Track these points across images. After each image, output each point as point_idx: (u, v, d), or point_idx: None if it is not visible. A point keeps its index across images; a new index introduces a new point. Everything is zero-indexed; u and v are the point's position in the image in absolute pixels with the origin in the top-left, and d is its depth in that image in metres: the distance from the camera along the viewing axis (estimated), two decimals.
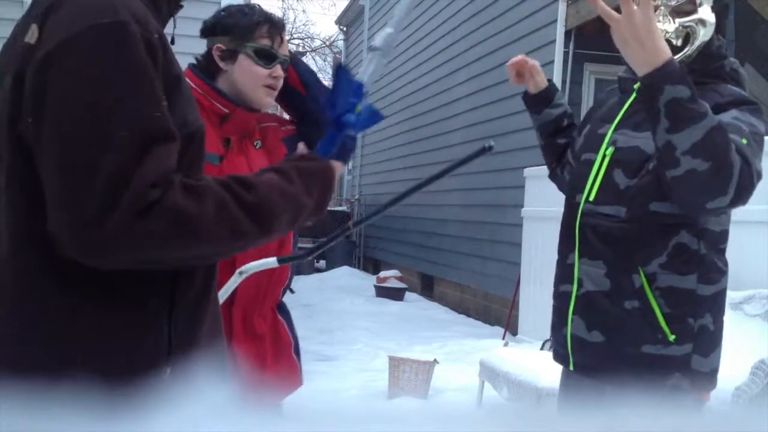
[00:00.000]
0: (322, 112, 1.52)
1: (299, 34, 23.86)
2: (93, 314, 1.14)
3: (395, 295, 10.48)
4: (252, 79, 2.00)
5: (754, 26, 6.63)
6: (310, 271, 13.13)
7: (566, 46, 7.60)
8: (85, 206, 1.05)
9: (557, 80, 7.45)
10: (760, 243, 4.40)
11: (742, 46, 6.36)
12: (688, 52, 1.93)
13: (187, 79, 2.01)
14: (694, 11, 1.96)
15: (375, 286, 10.88)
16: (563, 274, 2.05)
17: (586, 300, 1.98)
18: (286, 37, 2.07)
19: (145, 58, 1.12)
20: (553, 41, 7.69)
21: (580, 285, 1.99)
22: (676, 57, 1.84)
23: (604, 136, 2.02)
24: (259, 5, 2.09)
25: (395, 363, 5.35)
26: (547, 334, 6.41)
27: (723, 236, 1.95)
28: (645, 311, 1.89)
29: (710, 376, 1.94)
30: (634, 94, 2.02)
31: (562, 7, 7.62)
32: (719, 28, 2.04)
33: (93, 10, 1.12)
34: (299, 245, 2.18)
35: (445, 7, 10.91)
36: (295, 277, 2.26)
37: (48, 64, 1.10)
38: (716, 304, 1.93)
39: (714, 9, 1.99)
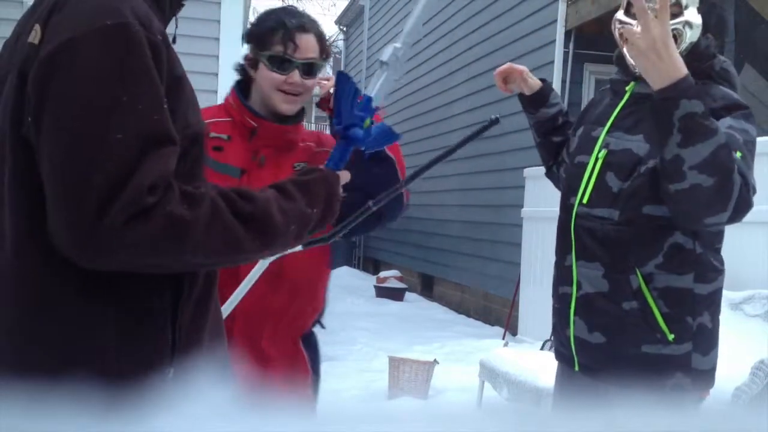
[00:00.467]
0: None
1: None
2: (97, 315, 1.14)
3: (395, 295, 10.48)
4: (269, 86, 2.00)
5: (754, 26, 6.63)
6: None
7: (566, 46, 7.60)
8: (82, 207, 1.05)
9: (557, 80, 7.46)
10: (760, 243, 4.40)
11: (742, 46, 6.36)
12: (681, 49, 1.94)
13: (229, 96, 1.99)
14: (680, 14, 1.96)
15: (375, 287, 10.88)
16: (562, 275, 2.06)
17: (585, 301, 1.99)
18: (312, 39, 2.02)
19: (148, 60, 1.12)
20: (553, 41, 7.69)
21: (579, 287, 2.00)
22: None
23: (597, 138, 2.03)
24: (294, 7, 2.10)
25: (395, 363, 5.35)
26: (547, 334, 6.44)
27: (719, 236, 1.97)
28: (643, 311, 1.90)
29: (710, 374, 1.96)
30: (626, 96, 2.03)
31: (562, 8, 7.62)
32: (707, 27, 2.03)
33: (97, 12, 1.12)
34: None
35: (444, 8, 10.91)
36: None
37: (50, 65, 1.10)
38: (714, 303, 1.95)
39: (700, 10, 1.99)
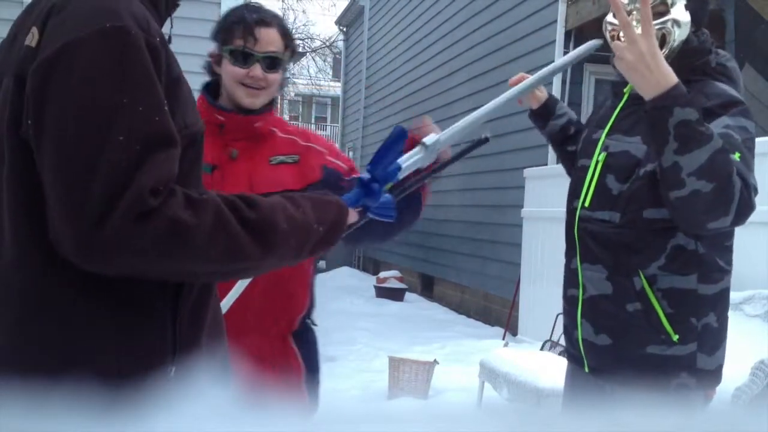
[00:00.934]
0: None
1: (299, 35, 23.87)
2: (98, 314, 1.14)
3: (395, 295, 10.48)
4: (231, 80, 2.03)
5: (754, 26, 6.63)
6: None
7: (566, 46, 7.61)
8: (83, 210, 1.05)
9: (557, 80, 7.46)
10: (760, 243, 4.40)
11: (742, 46, 6.36)
12: (666, 53, 1.92)
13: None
14: (666, 12, 1.95)
15: (375, 287, 10.88)
16: (569, 278, 2.08)
17: (591, 304, 2.00)
18: (280, 33, 2.05)
19: (147, 62, 1.12)
20: (553, 42, 7.70)
21: (584, 290, 2.01)
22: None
23: (597, 141, 2.03)
24: (258, 5, 2.10)
25: (395, 363, 5.35)
26: (547, 335, 6.42)
27: (726, 234, 1.95)
28: (647, 313, 1.90)
29: (716, 373, 1.96)
30: (624, 98, 2.04)
31: (562, 8, 7.62)
32: (700, 22, 2.00)
33: (96, 15, 1.12)
34: None
35: (445, 8, 10.91)
36: None
37: (49, 67, 1.10)
38: (720, 303, 1.94)
39: (689, 6, 1.97)
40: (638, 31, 1.79)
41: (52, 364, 1.12)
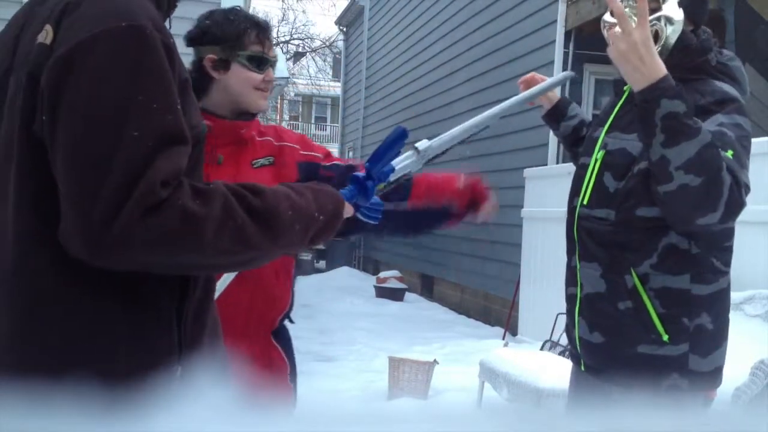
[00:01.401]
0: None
1: (299, 35, 23.86)
2: (106, 314, 1.14)
3: (395, 295, 10.48)
4: (247, 86, 2.01)
5: (754, 26, 6.63)
6: (310, 271, 13.14)
7: (566, 46, 7.61)
8: (95, 203, 1.06)
9: None
10: (760, 243, 4.40)
11: (742, 47, 6.36)
12: (658, 50, 1.90)
13: None
14: (658, 9, 1.95)
15: (375, 287, 10.88)
16: (569, 276, 2.08)
17: (587, 302, 2.00)
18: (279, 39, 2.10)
19: (163, 61, 1.13)
20: (553, 41, 7.70)
21: (581, 288, 2.01)
22: None
23: (597, 139, 2.04)
24: (240, 8, 2.08)
25: (395, 363, 5.35)
26: (547, 335, 6.40)
27: (723, 234, 1.94)
28: (638, 312, 1.90)
29: (712, 375, 1.93)
30: (624, 96, 2.04)
31: (562, 8, 7.62)
32: (698, 21, 2.00)
33: (111, 13, 1.13)
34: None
35: (445, 8, 10.91)
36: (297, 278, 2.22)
37: (65, 64, 1.10)
38: (715, 304, 1.92)
39: (683, 4, 1.96)
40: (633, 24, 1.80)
41: (56, 363, 1.12)
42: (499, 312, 8.59)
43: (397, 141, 1.60)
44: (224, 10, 2.07)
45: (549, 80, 2.21)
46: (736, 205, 1.76)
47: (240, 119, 2.05)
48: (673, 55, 1.91)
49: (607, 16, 2.02)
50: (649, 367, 1.90)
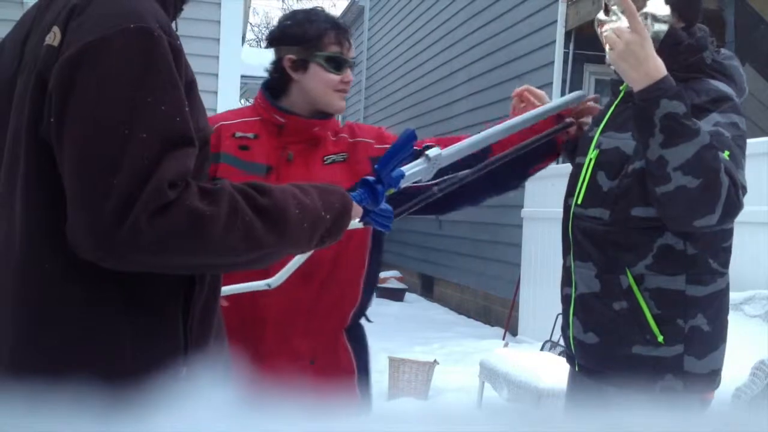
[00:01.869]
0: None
1: None
2: (112, 315, 1.15)
3: (395, 295, 10.48)
4: (325, 86, 2.00)
5: (754, 27, 6.63)
6: None
7: (566, 46, 7.61)
8: (104, 205, 1.06)
9: (557, 80, 7.46)
10: (760, 243, 4.40)
11: (742, 47, 6.36)
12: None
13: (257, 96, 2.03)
14: (643, 6, 1.94)
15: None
16: (564, 276, 2.07)
17: (581, 302, 2.00)
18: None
19: (170, 63, 1.13)
20: (553, 42, 7.70)
21: (576, 287, 2.01)
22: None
23: (592, 139, 2.03)
24: (322, 8, 2.07)
25: (395, 364, 5.35)
26: (547, 335, 6.41)
27: (721, 235, 1.92)
28: (633, 312, 1.89)
29: (709, 378, 1.92)
30: (620, 96, 2.04)
31: (562, 8, 7.62)
32: (690, 17, 1.97)
33: (119, 15, 1.13)
34: None
35: (445, 8, 10.91)
36: None
37: (73, 66, 1.10)
38: (712, 306, 1.91)
39: (671, 1, 1.94)
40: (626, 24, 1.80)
41: (61, 364, 1.12)
42: (499, 312, 8.59)
43: (406, 143, 1.59)
44: (305, 10, 2.07)
45: (562, 99, 2.18)
46: (733, 207, 1.75)
47: (317, 118, 2.04)
48: (663, 52, 1.88)
49: (601, 15, 2.02)
50: (643, 367, 1.89)
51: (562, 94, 7.47)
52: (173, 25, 1.33)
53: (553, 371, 4.01)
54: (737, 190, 1.75)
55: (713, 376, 1.93)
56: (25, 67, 1.19)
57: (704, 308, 1.89)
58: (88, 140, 1.08)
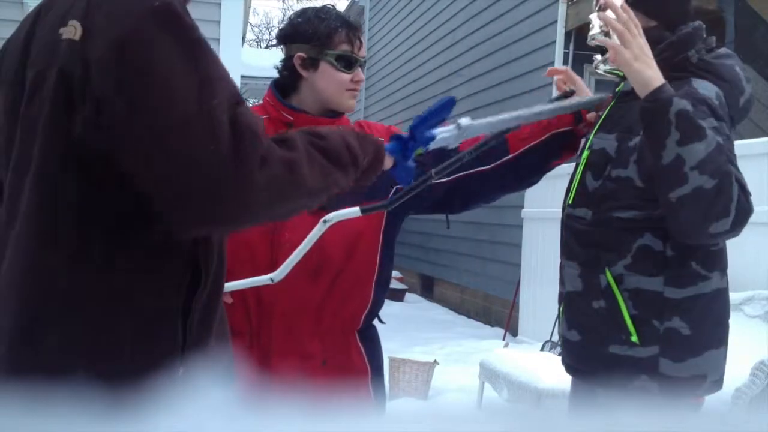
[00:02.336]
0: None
1: None
2: (113, 314, 1.15)
3: (395, 296, 10.47)
4: (336, 86, 1.98)
5: (754, 27, 6.63)
6: None
7: (566, 47, 7.61)
8: (216, 175, 1.08)
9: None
10: (760, 244, 4.40)
11: (742, 47, 6.36)
12: (607, 56, 1.94)
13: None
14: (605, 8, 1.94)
15: None
16: (560, 276, 2.09)
17: (568, 300, 2.02)
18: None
19: (200, 32, 1.16)
20: (554, 42, 7.70)
21: (564, 286, 2.03)
22: (602, 57, 2.01)
23: (588, 140, 2.04)
24: (333, 6, 2.06)
25: (395, 364, 5.35)
26: (547, 335, 6.40)
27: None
28: (611, 311, 1.89)
29: (690, 383, 1.88)
30: (616, 98, 2.04)
31: (562, 8, 7.62)
32: (667, 16, 1.96)
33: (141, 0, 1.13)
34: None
35: (445, 8, 10.92)
36: None
37: (120, 57, 1.10)
38: (693, 309, 1.87)
39: (637, 2, 1.93)
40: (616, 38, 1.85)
41: (61, 362, 1.12)
42: (499, 312, 8.59)
43: (444, 108, 1.67)
44: (316, 8, 2.05)
45: (588, 97, 2.18)
46: (744, 211, 1.75)
47: (326, 117, 2.03)
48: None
49: (593, 16, 2.02)
50: (619, 367, 1.89)
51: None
52: None
53: (553, 371, 4.01)
54: (747, 195, 1.76)
55: (696, 382, 1.89)
56: (35, 64, 1.19)
57: (683, 311, 1.86)
58: (171, 122, 1.09)
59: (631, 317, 1.87)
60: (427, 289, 11.22)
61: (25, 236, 1.15)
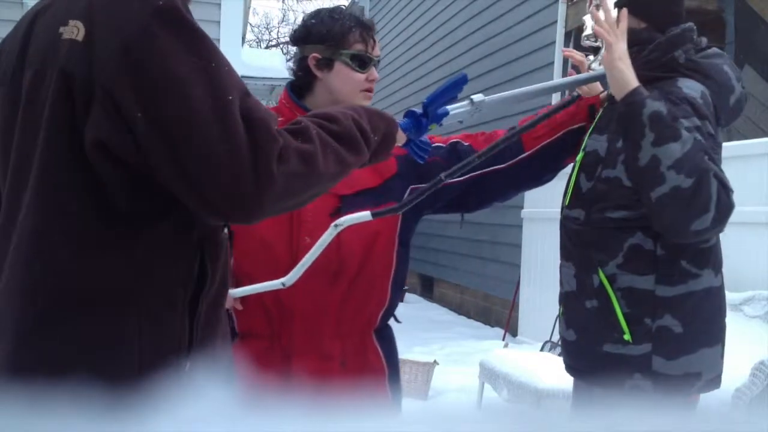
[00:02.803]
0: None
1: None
2: (119, 316, 1.15)
3: None
4: (350, 86, 1.98)
5: (754, 28, 6.63)
6: None
7: (566, 47, 7.61)
8: (235, 169, 1.09)
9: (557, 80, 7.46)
10: (760, 244, 4.40)
11: (742, 48, 6.36)
12: (600, 55, 1.99)
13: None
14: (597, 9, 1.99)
15: None
16: (559, 276, 2.11)
17: (566, 300, 2.05)
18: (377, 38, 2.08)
19: (203, 30, 1.16)
20: (553, 42, 7.70)
21: (562, 286, 2.07)
22: (595, 57, 2.06)
23: (583, 142, 2.07)
24: (345, 7, 2.07)
25: None
26: (547, 335, 6.41)
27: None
28: (604, 310, 1.92)
29: (683, 380, 1.90)
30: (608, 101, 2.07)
31: (562, 9, 7.62)
32: (654, 16, 1.99)
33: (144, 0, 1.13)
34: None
35: (445, 8, 10.92)
36: None
37: (130, 59, 1.10)
38: (684, 307, 1.89)
39: (625, 2, 1.96)
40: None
41: (67, 362, 1.12)
42: (499, 313, 8.59)
43: (456, 84, 1.69)
44: (329, 9, 2.06)
45: (595, 72, 2.18)
46: (726, 207, 1.78)
47: None
48: (636, 55, 1.94)
49: (587, 19, 2.07)
50: (613, 365, 1.91)
51: (562, 94, 7.47)
52: None
53: (553, 372, 4.01)
54: (726, 191, 1.78)
55: (688, 380, 1.91)
56: (33, 63, 1.18)
57: (674, 309, 1.89)
58: (184, 120, 1.09)
59: (625, 315, 1.88)
60: (427, 289, 11.22)
61: (30, 235, 1.15)
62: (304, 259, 1.82)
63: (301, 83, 2.04)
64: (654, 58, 1.94)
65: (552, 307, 6.05)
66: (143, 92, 1.09)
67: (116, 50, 1.10)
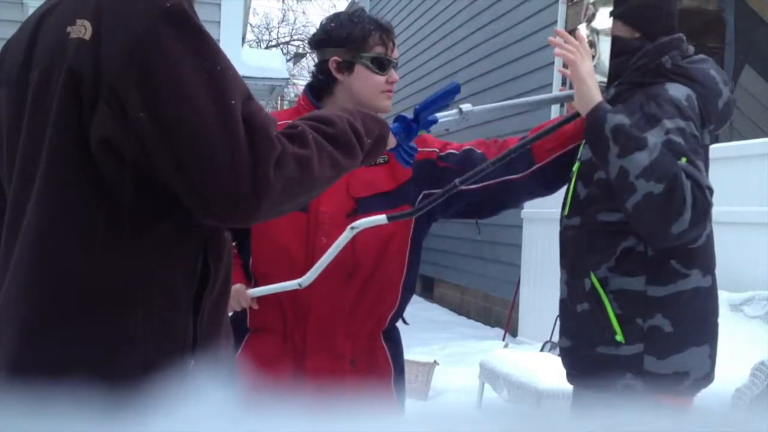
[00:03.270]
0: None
1: (299, 36, 23.90)
2: (124, 316, 1.15)
3: None
4: (371, 88, 2.01)
5: (754, 28, 6.63)
6: None
7: None
8: (234, 172, 1.10)
9: (557, 82, 7.46)
10: (760, 244, 4.40)
11: (741, 48, 6.36)
12: (594, 63, 2.01)
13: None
14: (592, 19, 2.07)
15: None
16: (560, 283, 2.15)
17: (562, 307, 2.08)
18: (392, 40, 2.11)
19: (208, 31, 1.17)
20: None
21: (561, 293, 2.09)
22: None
23: (578, 152, 2.10)
24: (364, 10, 2.11)
25: None
26: (547, 336, 6.40)
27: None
28: (595, 313, 1.95)
29: (673, 379, 1.92)
30: None
31: (562, 9, 7.62)
32: (646, 27, 2.02)
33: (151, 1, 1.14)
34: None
35: (445, 9, 10.92)
36: None
37: (137, 59, 1.10)
38: (674, 307, 1.92)
39: (619, 12, 2.02)
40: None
41: (70, 361, 1.12)
42: (499, 313, 8.59)
43: (449, 93, 1.74)
44: (348, 12, 2.10)
45: (569, 92, 2.26)
46: (702, 206, 1.80)
47: None
48: (612, 61, 2.01)
49: (582, 27, 2.10)
50: (607, 367, 1.94)
51: (561, 106, 7.47)
52: None
53: (553, 372, 4.01)
54: (702, 190, 1.81)
55: (678, 378, 1.93)
56: (40, 63, 1.19)
57: (665, 309, 1.92)
58: (186, 121, 1.10)
59: (617, 317, 1.92)
60: (427, 289, 11.22)
61: (35, 234, 1.15)
62: (321, 260, 1.85)
63: (321, 86, 2.07)
64: (642, 65, 1.99)
65: (552, 308, 6.06)
66: (147, 92, 1.10)
67: (122, 49, 1.11)
